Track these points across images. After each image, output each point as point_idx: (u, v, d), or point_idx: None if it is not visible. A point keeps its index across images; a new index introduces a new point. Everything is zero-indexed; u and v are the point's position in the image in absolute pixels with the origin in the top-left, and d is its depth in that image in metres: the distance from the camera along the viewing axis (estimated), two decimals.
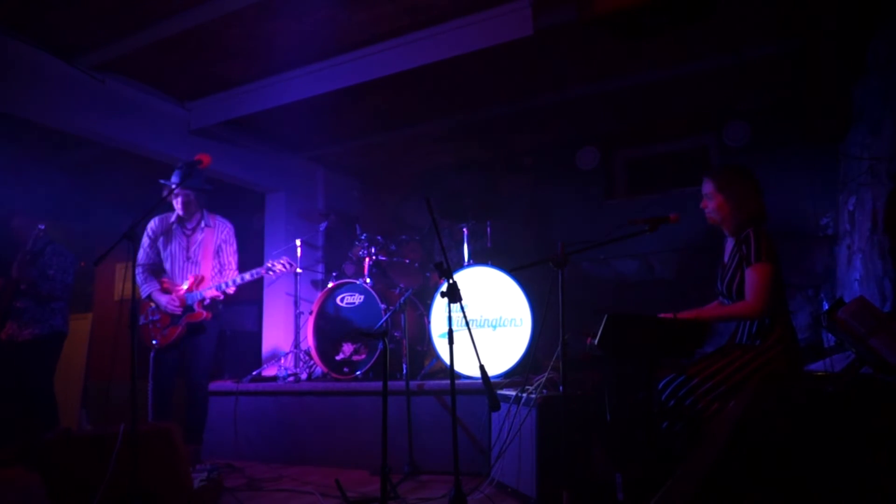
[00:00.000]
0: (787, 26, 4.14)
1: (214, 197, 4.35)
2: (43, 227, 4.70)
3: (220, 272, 4.20)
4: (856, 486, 1.75)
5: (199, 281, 4.07)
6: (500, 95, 5.21)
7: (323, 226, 6.02)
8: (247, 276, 4.02)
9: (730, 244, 2.89)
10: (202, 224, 4.21)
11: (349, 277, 4.99)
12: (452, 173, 6.67)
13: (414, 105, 5.33)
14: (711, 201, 2.88)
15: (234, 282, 4.03)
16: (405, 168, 7.02)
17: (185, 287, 4.07)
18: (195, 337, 4.09)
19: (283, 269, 4.01)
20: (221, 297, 4.11)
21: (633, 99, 5.22)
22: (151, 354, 4.06)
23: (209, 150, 4.62)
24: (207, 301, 4.06)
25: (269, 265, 4.00)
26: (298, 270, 5.47)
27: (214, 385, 5.02)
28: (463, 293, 2.77)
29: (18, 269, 4.62)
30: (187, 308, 4.03)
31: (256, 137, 5.88)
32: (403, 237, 5.23)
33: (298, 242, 5.61)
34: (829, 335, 4.12)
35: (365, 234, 5.11)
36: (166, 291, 4.07)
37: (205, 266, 4.13)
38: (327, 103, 4.93)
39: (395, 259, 4.97)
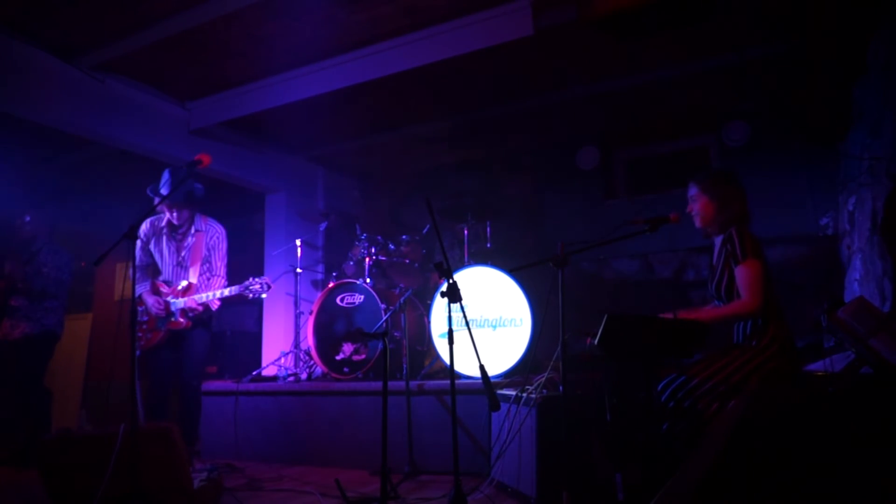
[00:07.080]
0: (787, 26, 4.14)
1: (215, 197, 4.33)
2: (28, 218, 4.73)
3: (209, 278, 4.18)
4: (856, 486, 1.75)
5: (186, 289, 4.05)
6: (500, 95, 5.21)
7: (323, 226, 6.01)
8: (226, 293, 3.98)
9: (717, 246, 2.91)
10: (193, 228, 4.17)
11: (349, 277, 4.99)
12: (452, 173, 6.66)
13: (414, 105, 5.33)
14: (696, 203, 2.92)
15: (210, 298, 3.99)
16: (405, 168, 7.02)
17: (178, 289, 4.06)
18: (188, 337, 4.06)
19: (260, 290, 3.94)
20: (201, 310, 4.03)
21: (633, 99, 5.22)
22: (137, 355, 4.02)
23: (209, 150, 4.62)
24: (189, 311, 4.00)
25: (248, 284, 3.93)
26: (298, 270, 5.47)
27: (214, 385, 5.02)
28: (463, 293, 2.76)
29: (13, 265, 4.63)
30: (169, 314, 4.01)
31: (256, 137, 5.88)
32: (403, 237, 5.22)
33: (298, 242, 5.61)
34: (829, 335, 4.12)
35: (365, 235, 5.10)
36: (156, 292, 4.07)
37: (194, 270, 4.11)
38: (327, 103, 4.93)
39: (394, 259, 4.97)
